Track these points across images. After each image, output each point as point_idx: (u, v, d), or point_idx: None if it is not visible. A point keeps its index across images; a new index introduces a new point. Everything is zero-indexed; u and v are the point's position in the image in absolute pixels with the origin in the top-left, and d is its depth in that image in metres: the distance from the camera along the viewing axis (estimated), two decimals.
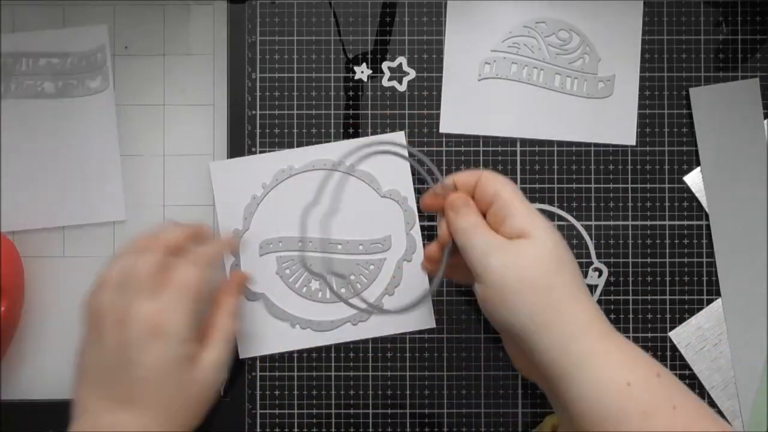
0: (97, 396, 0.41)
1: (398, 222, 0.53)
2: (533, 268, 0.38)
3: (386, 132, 0.54)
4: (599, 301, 0.53)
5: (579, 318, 0.38)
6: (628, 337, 0.52)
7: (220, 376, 0.45)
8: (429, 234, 0.53)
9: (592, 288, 0.53)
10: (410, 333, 0.53)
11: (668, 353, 0.52)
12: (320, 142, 0.54)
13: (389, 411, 0.53)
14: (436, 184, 0.43)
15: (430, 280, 0.50)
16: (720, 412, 0.52)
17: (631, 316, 0.53)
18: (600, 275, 0.53)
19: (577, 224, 0.53)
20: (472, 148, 0.53)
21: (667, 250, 0.53)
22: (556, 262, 0.38)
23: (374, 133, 0.53)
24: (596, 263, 0.53)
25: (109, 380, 0.41)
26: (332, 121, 0.54)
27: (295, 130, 0.54)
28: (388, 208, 0.53)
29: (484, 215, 0.42)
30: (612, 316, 0.53)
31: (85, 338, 0.43)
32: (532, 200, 0.53)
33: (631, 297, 0.53)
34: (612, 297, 0.53)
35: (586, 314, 0.38)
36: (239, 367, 0.52)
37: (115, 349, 0.41)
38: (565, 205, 0.53)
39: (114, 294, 0.42)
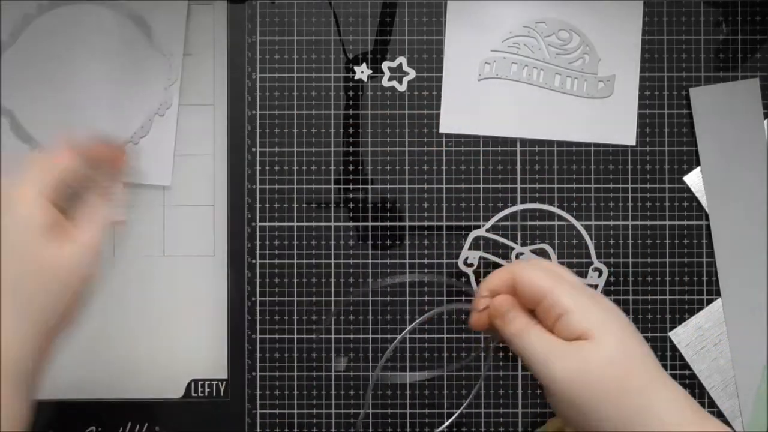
0: None
1: None
2: (603, 374, 0.34)
3: (386, 132, 0.54)
4: None
5: (669, 411, 0.34)
6: None
7: (87, 260, 0.39)
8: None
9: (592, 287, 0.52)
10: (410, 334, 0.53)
11: (668, 353, 0.52)
12: (320, 142, 0.54)
13: (389, 411, 0.53)
14: (475, 300, 0.40)
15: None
16: (720, 412, 0.52)
17: (631, 316, 0.53)
18: (600, 275, 0.53)
19: (577, 224, 0.53)
20: (472, 148, 0.53)
21: (667, 250, 0.53)
22: (629, 361, 0.35)
23: (374, 133, 0.53)
24: (596, 263, 0.53)
25: None
26: (332, 121, 0.54)
27: (295, 130, 0.54)
28: None
29: (533, 312, 0.38)
30: None
31: None
32: (532, 200, 0.53)
33: (631, 297, 0.53)
34: (612, 297, 0.53)
35: (675, 404, 0.34)
36: (240, 368, 0.52)
37: None
38: (565, 205, 0.53)
39: None
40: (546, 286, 0.37)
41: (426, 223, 0.53)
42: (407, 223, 0.53)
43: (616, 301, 0.51)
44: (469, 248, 0.53)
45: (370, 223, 0.53)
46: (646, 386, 0.34)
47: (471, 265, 0.53)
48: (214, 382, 0.52)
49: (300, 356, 0.53)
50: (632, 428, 0.33)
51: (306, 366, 0.53)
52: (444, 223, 0.53)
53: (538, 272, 0.38)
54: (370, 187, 0.53)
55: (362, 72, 0.53)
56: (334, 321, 0.53)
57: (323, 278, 0.53)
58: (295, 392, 0.53)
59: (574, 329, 0.36)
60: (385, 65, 0.53)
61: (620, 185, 0.53)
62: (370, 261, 0.53)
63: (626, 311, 0.52)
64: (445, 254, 0.53)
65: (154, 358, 0.53)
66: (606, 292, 0.53)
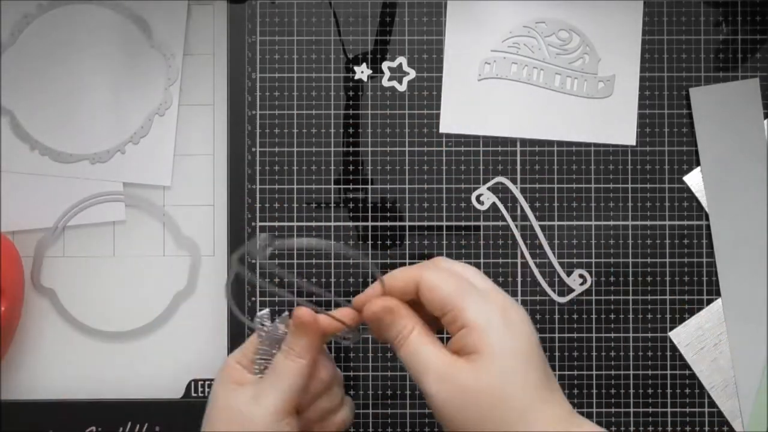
0: None
1: None
2: (479, 401, 0.33)
3: (386, 132, 0.53)
4: (599, 302, 0.53)
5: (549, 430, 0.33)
6: (628, 337, 0.52)
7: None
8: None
9: (591, 290, 0.52)
10: None
11: (668, 353, 0.52)
12: (320, 142, 0.53)
13: (389, 411, 0.53)
14: (374, 284, 0.38)
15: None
16: (720, 412, 0.52)
17: (630, 316, 0.52)
18: (599, 275, 0.52)
19: (577, 224, 0.53)
20: (472, 148, 0.53)
21: (667, 250, 0.52)
22: (510, 387, 0.33)
23: (374, 133, 0.53)
24: (595, 263, 0.53)
25: None
26: (332, 121, 0.53)
27: (294, 130, 0.53)
28: None
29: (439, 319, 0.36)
30: (612, 315, 0.52)
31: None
32: (532, 200, 0.53)
33: (630, 297, 0.53)
34: (612, 297, 0.53)
35: (556, 423, 0.33)
36: None
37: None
38: (565, 205, 0.53)
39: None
40: (451, 296, 0.35)
41: (426, 223, 0.53)
42: (407, 223, 0.53)
43: (616, 301, 0.52)
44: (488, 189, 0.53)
45: (370, 223, 0.53)
46: (526, 409, 0.33)
47: (482, 202, 0.52)
48: None
49: None
50: None
51: None
52: (444, 224, 0.53)
53: (445, 278, 0.36)
54: (370, 187, 0.53)
55: (362, 72, 0.53)
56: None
57: (323, 278, 0.53)
58: None
59: (466, 345, 0.34)
60: (385, 65, 0.53)
61: (620, 185, 0.53)
62: (370, 261, 0.53)
63: (626, 311, 0.52)
64: (445, 255, 0.53)
65: (154, 358, 0.53)
66: (606, 292, 0.53)
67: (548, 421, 0.33)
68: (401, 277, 0.37)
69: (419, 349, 0.35)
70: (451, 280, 0.36)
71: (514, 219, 0.53)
